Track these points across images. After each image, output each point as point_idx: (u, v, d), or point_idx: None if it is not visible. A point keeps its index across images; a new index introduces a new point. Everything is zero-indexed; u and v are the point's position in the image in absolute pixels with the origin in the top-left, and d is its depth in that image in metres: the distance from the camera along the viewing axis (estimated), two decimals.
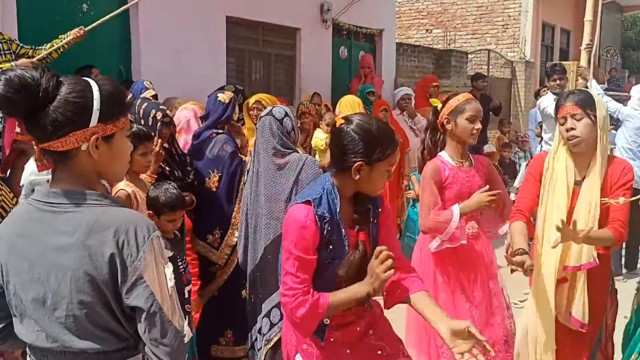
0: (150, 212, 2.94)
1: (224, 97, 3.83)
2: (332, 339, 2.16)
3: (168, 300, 1.51)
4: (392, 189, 5.88)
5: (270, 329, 3.28)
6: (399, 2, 13.91)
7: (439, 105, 3.13)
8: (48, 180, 1.57)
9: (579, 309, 2.65)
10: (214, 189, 3.62)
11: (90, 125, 1.46)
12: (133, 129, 3.08)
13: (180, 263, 2.98)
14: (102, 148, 1.50)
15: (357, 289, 2.04)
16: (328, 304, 2.01)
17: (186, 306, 2.96)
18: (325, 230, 2.03)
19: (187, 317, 2.86)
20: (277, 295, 3.10)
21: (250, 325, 3.40)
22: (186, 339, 1.54)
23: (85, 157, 1.48)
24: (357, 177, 2.04)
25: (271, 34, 7.62)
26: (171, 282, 1.53)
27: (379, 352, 2.20)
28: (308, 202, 2.04)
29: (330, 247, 2.05)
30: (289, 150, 3.24)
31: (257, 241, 3.30)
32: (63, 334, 1.47)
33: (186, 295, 2.96)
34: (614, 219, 2.62)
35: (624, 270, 5.96)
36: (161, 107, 3.57)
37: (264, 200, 3.25)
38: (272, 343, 3.26)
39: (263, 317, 3.29)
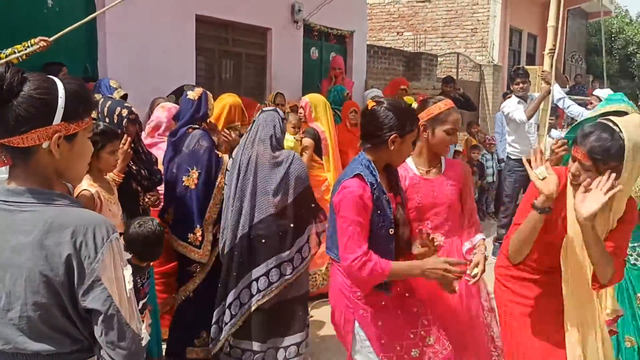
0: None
1: (193, 94, 3.82)
2: (382, 302, 2.50)
3: (126, 302, 1.49)
4: None
5: (239, 309, 3.38)
6: (370, 5, 13.99)
7: (414, 104, 3.03)
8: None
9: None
10: (193, 187, 3.61)
11: (54, 123, 1.44)
12: (101, 127, 3.06)
13: (139, 279, 2.96)
14: (63, 147, 1.48)
15: (414, 266, 2.40)
16: (390, 269, 2.33)
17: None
18: (374, 196, 2.39)
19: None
20: (255, 272, 3.35)
21: (216, 305, 3.44)
22: (143, 342, 1.53)
23: (45, 155, 1.45)
24: (392, 148, 2.45)
25: (241, 33, 7.58)
26: (130, 285, 1.52)
27: (415, 310, 2.58)
28: (357, 176, 2.40)
29: (379, 210, 2.41)
30: (280, 148, 3.47)
31: (239, 223, 3.37)
32: (16, 336, 1.44)
33: (139, 307, 2.91)
34: (618, 245, 2.32)
35: None
36: (126, 104, 3.53)
37: (251, 191, 3.35)
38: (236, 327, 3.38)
39: (236, 295, 3.38)
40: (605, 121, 2.27)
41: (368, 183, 2.39)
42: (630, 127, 2.21)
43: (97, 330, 1.45)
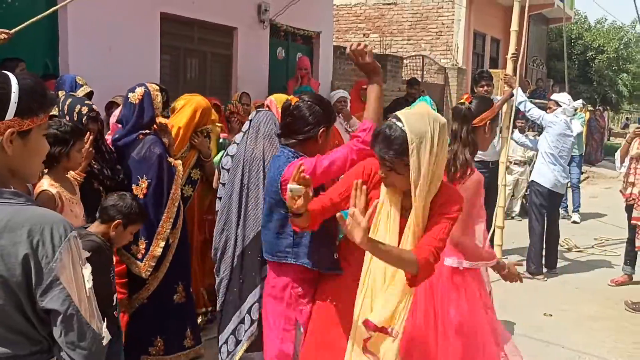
0: (119, 221, 2.81)
1: (134, 96, 3.58)
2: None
3: (86, 302, 1.46)
4: None
5: (251, 325, 3.17)
6: (337, 6, 14.04)
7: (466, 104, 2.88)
8: None
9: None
10: (141, 196, 3.46)
11: (6, 119, 1.41)
12: (70, 125, 3.02)
13: (111, 270, 2.90)
14: (16, 143, 1.44)
15: (377, 81, 2.55)
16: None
17: (114, 312, 2.86)
18: None
19: (116, 322, 2.80)
20: (259, 290, 3.13)
21: (222, 326, 3.23)
22: (104, 342, 1.50)
23: None
24: (320, 141, 2.59)
25: (207, 32, 7.52)
26: (89, 284, 1.49)
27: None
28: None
29: None
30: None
31: (244, 233, 3.21)
32: None
33: (114, 302, 2.86)
34: (426, 242, 2.14)
35: (544, 270, 6.26)
36: (86, 102, 3.46)
37: (259, 186, 3.24)
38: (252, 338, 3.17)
39: (245, 314, 3.18)
40: (391, 118, 2.18)
41: None
42: (412, 117, 2.13)
43: (57, 330, 1.42)
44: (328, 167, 2.45)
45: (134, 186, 3.50)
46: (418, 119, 2.12)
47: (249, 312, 3.22)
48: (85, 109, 3.35)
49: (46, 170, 2.94)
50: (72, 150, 2.96)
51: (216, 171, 3.87)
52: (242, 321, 3.23)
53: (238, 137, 3.57)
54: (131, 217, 2.85)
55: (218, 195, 3.54)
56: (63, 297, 1.40)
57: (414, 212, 2.17)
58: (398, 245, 2.18)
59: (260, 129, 3.40)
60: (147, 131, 3.61)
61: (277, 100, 5.42)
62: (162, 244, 3.51)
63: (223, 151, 3.89)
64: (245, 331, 3.19)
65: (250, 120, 3.52)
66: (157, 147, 3.57)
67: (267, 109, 5.48)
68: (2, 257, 1.37)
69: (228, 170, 3.48)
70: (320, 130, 2.59)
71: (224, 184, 3.47)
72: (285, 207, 2.48)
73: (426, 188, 2.12)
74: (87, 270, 1.49)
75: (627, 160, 5.87)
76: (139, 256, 3.50)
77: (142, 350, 3.57)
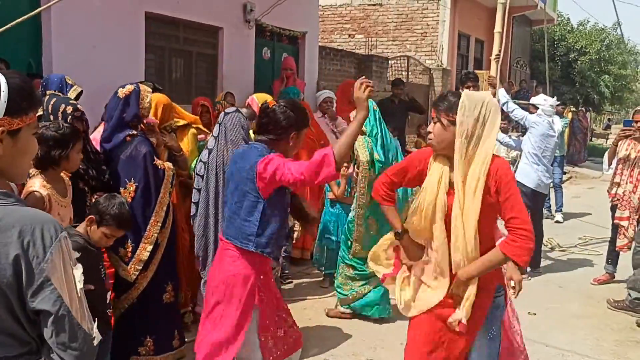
0: (93, 217, 2.82)
1: (122, 91, 3.58)
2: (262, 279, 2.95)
3: (77, 302, 1.45)
4: (313, 189, 5.95)
5: None
6: (323, 6, 14.06)
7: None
8: None
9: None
10: (129, 199, 3.46)
11: None
12: (67, 127, 3.02)
13: (102, 268, 2.90)
14: (7, 143, 1.43)
15: (358, 119, 2.64)
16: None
17: (108, 311, 2.89)
18: None
19: (109, 321, 2.80)
20: None
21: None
22: (95, 342, 1.49)
23: None
24: (291, 143, 2.90)
25: (192, 32, 7.49)
26: (80, 284, 1.48)
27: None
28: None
29: None
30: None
31: (217, 230, 3.50)
32: None
33: (108, 300, 2.89)
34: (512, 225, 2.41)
35: (528, 269, 6.31)
36: (71, 101, 3.44)
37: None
38: None
39: None
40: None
41: None
42: (473, 93, 2.55)
43: (47, 331, 1.41)
44: (281, 176, 2.71)
45: (121, 189, 3.49)
46: (477, 95, 2.53)
47: None
48: (70, 109, 3.33)
49: (33, 171, 2.93)
50: (71, 152, 2.96)
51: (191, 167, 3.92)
52: None
53: (210, 142, 3.62)
54: (104, 217, 2.82)
55: (193, 201, 3.59)
56: (54, 298, 1.40)
57: (456, 171, 2.43)
58: (448, 218, 2.45)
59: (227, 136, 3.49)
60: (134, 132, 3.59)
61: (259, 99, 5.45)
62: (149, 247, 3.50)
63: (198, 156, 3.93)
64: None
65: (219, 124, 3.57)
66: (144, 146, 3.56)
67: (248, 106, 5.45)
68: None
69: (202, 176, 3.54)
70: (291, 134, 2.89)
71: (198, 190, 3.53)
72: (255, 195, 2.80)
73: (465, 145, 2.39)
74: (78, 270, 1.48)
75: (614, 162, 5.92)
76: (126, 259, 3.49)
77: (132, 350, 3.57)
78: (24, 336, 1.44)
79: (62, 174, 3.10)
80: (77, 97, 3.96)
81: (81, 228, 2.82)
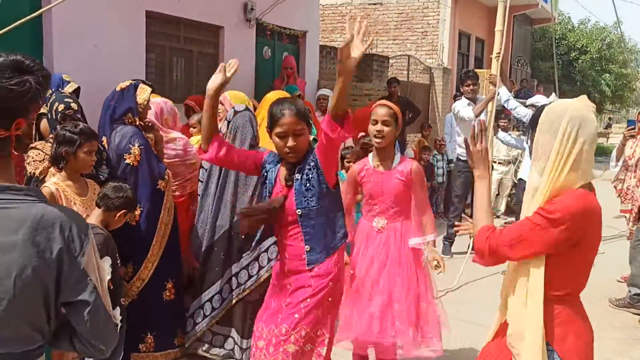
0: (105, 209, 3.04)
1: (120, 85, 3.61)
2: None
3: (107, 293, 1.54)
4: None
5: (220, 304, 3.60)
6: (323, 5, 14.05)
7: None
8: None
9: None
10: (133, 223, 3.48)
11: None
12: (80, 126, 3.07)
13: (117, 258, 3.03)
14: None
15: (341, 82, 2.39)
16: None
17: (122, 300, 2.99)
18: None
19: (121, 309, 2.82)
20: (235, 267, 3.55)
21: (194, 299, 3.63)
22: (118, 329, 1.59)
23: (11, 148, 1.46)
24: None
25: (193, 31, 7.49)
26: (109, 276, 1.57)
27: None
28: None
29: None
30: (258, 146, 3.61)
31: (217, 220, 3.54)
32: None
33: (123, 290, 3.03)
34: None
35: None
36: (66, 99, 3.44)
37: (232, 190, 3.51)
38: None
39: (218, 289, 3.60)
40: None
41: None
42: (558, 103, 2.20)
43: (81, 321, 1.47)
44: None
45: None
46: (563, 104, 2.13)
47: (210, 300, 3.59)
48: (61, 106, 3.35)
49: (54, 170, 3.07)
50: (78, 151, 3.00)
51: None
52: (201, 307, 3.63)
53: None
54: (113, 204, 3.04)
55: (198, 192, 3.64)
56: (91, 289, 1.47)
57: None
58: None
59: (238, 135, 3.47)
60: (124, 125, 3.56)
61: (232, 97, 5.20)
62: (150, 266, 3.56)
63: None
64: (206, 316, 3.61)
65: (228, 122, 3.56)
66: (138, 138, 3.51)
67: (220, 105, 5.31)
68: (38, 252, 1.40)
69: (206, 169, 3.56)
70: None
71: (202, 182, 3.57)
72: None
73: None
74: (106, 263, 1.56)
75: (621, 160, 6.12)
76: (127, 278, 3.54)
77: (132, 347, 3.56)
78: (47, 331, 1.49)
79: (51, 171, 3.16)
80: (77, 94, 3.98)
81: (93, 218, 2.93)
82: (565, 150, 2.01)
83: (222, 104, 4.76)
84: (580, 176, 2.03)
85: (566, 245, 2.01)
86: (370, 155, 3.46)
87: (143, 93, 3.59)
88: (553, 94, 6.90)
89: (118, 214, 3.02)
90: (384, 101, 3.47)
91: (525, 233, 2.02)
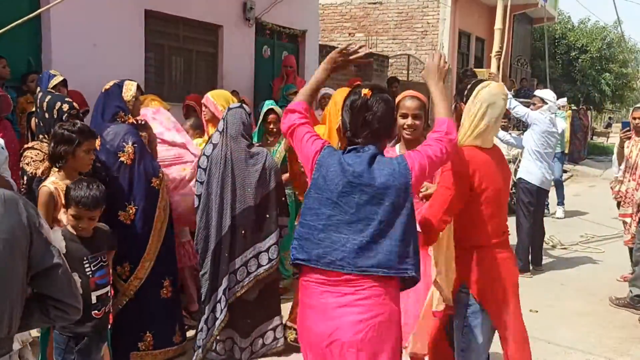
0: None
1: (105, 87, 3.61)
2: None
3: (65, 261, 1.69)
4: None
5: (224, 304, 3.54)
6: (323, 5, 14.03)
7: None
8: None
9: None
10: (128, 222, 3.46)
11: None
12: (78, 125, 3.07)
13: (87, 265, 2.70)
14: None
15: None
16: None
17: (93, 312, 2.73)
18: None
19: (93, 321, 2.75)
20: (232, 264, 3.52)
21: (204, 303, 3.58)
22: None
23: None
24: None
25: (192, 30, 7.48)
26: (63, 242, 1.86)
27: None
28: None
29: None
30: (252, 141, 3.67)
31: (222, 216, 3.51)
32: None
33: (94, 301, 2.73)
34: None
35: (531, 267, 6.30)
36: (66, 99, 3.43)
37: (231, 187, 3.50)
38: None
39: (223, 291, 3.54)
40: None
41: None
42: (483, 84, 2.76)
43: (56, 283, 1.62)
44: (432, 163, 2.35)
45: (121, 212, 3.48)
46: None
47: (219, 301, 3.55)
48: (66, 107, 3.33)
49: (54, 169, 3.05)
50: (77, 149, 2.98)
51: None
52: (213, 310, 3.57)
53: (215, 137, 3.61)
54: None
55: (196, 193, 3.61)
56: (57, 254, 1.63)
57: None
58: None
59: (228, 131, 3.51)
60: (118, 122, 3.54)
61: (214, 97, 5.06)
62: (147, 264, 3.54)
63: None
64: (217, 319, 3.54)
65: (223, 119, 3.62)
66: (132, 136, 3.50)
67: (205, 108, 5.19)
68: (17, 222, 1.55)
69: (205, 169, 3.54)
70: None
71: (201, 182, 3.55)
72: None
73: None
74: (57, 233, 1.77)
75: (623, 164, 5.93)
76: (124, 277, 3.53)
77: (131, 346, 3.55)
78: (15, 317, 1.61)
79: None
80: (64, 85, 3.96)
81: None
82: (473, 123, 2.66)
83: (206, 106, 4.64)
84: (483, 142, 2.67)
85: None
86: (398, 145, 3.22)
87: (129, 90, 3.58)
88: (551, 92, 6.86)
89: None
90: (412, 92, 3.25)
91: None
